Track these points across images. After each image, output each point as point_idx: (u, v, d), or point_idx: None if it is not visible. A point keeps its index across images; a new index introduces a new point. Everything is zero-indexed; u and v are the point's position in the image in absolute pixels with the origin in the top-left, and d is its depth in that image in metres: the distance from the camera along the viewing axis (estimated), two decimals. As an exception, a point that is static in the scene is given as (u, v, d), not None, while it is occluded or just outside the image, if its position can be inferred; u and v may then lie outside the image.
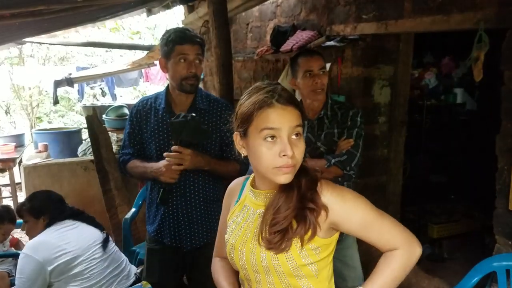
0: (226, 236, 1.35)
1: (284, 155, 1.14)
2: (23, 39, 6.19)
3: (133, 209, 3.17)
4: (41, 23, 4.85)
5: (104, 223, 2.71)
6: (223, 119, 2.13)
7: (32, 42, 7.08)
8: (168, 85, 2.19)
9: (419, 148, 3.87)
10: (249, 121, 1.18)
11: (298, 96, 3.63)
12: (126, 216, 3.12)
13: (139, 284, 1.91)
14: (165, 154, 1.97)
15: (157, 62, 7.79)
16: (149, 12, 6.28)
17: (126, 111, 5.93)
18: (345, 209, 1.21)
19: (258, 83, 1.25)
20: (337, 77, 3.24)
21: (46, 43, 7.49)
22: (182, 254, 2.17)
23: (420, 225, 3.92)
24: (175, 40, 2.03)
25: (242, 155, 1.27)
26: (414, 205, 3.93)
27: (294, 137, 1.17)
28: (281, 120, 1.15)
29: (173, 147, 1.97)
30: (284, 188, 1.21)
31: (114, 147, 4.13)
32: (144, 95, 11.99)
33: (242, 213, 1.33)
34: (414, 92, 3.87)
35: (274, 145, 1.15)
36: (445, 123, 4.31)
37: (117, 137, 4.70)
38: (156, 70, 9.66)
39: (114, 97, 9.79)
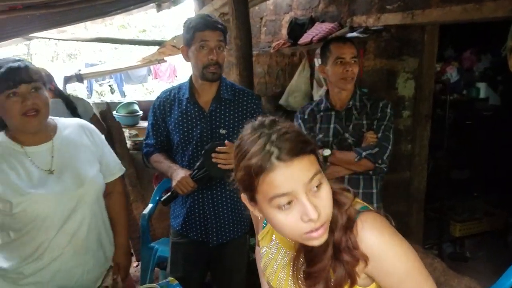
0: (262, 265, 1.22)
1: (308, 220, 0.91)
2: (33, 34, 6.12)
3: (151, 205, 3.08)
4: (52, 17, 4.78)
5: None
6: (249, 109, 2.06)
7: (41, 38, 7.01)
8: (191, 75, 2.11)
9: (441, 143, 3.76)
10: (252, 190, 0.94)
11: (320, 91, 3.56)
12: (144, 212, 3.04)
13: (165, 280, 1.82)
14: (218, 148, 1.85)
15: (167, 58, 7.76)
16: (159, 8, 6.22)
17: (137, 107, 5.86)
18: (385, 267, 0.99)
19: (250, 124, 0.99)
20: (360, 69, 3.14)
21: (55, 39, 7.43)
22: (208, 249, 2.09)
23: (442, 223, 3.83)
24: (195, 27, 1.95)
25: (259, 216, 1.06)
26: (436, 202, 3.83)
27: (315, 189, 0.92)
28: (291, 182, 0.90)
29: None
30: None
31: (128, 143, 4.04)
32: (152, 92, 12.03)
33: (273, 248, 1.17)
34: (436, 86, 3.76)
35: (292, 210, 0.91)
36: (467, 118, 4.20)
37: (130, 133, 4.62)
38: (165, 67, 9.64)
39: (122, 94, 9.75)
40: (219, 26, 1.97)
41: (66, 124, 1.75)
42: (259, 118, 0.99)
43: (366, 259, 0.98)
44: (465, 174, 4.37)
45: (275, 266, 1.15)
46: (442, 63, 4.11)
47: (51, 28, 5.88)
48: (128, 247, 1.98)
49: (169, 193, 2.00)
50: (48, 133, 1.67)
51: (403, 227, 3.23)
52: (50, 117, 1.69)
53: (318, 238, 0.94)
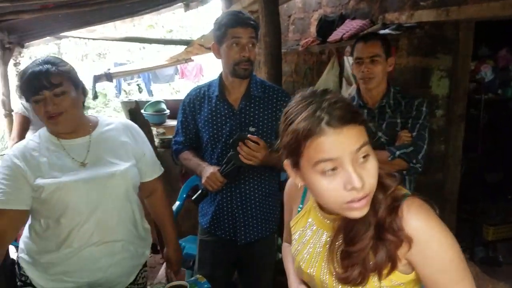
0: (292, 251, 1.21)
1: (351, 188, 0.90)
2: (64, 33, 6.24)
3: (178, 203, 3.09)
4: (82, 16, 4.87)
5: (146, 217, 2.62)
6: (279, 106, 2.03)
7: (72, 37, 7.14)
8: (221, 72, 2.09)
9: (475, 144, 3.64)
10: (298, 154, 0.94)
11: (349, 90, 3.50)
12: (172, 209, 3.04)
13: (193, 277, 1.81)
14: (249, 136, 1.84)
15: (194, 58, 7.80)
16: (187, 7, 6.25)
17: (164, 106, 5.90)
18: (428, 253, 0.96)
19: (300, 93, 1.00)
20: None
21: (85, 38, 7.57)
22: (236, 247, 2.07)
23: (475, 226, 3.71)
24: (227, 24, 1.93)
25: (299, 185, 1.03)
26: (468, 205, 3.71)
27: (361, 160, 0.92)
28: (339, 148, 0.89)
29: (213, 171, 1.89)
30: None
31: (156, 141, 4.07)
32: (178, 92, 12.11)
33: (308, 230, 1.15)
34: (470, 85, 3.64)
35: (336, 177, 0.91)
36: (502, 119, 4.05)
37: (157, 131, 4.65)
38: (191, 66, 9.69)
39: (150, 93, 9.85)
40: (251, 22, 1.94)
41: (108, 122, 1.77)
42: (310, 88, 1.01)
43: (410, 241, 0.95)
44: (499, 176, 4.23)
45: (310, 249, 1.12)
46: (477, 61, 3.97)
47: (81, 27, 6.00)
48: (177, 243, 2.01)
49: (199, 192, 1.99)
50: (86, 128, 1.70)
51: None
52: (93, 115, 1.76)
53: (359, 209, 0.93)
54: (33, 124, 3.27)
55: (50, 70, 1.54)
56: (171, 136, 4.27)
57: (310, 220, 1.14)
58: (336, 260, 1.01)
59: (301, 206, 1.21)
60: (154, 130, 4.51)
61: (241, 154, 1.82)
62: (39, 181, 1.56)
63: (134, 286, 1.78)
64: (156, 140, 4.07)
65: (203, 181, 1.93)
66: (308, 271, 1.13)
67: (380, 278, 0.98)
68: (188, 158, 2.09)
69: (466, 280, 0.99)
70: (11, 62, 5.67)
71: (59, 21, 4.78)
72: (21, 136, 3.14)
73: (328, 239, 1.06)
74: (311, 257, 1.12)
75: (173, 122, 5.59)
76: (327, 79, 3.79)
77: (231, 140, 1.88)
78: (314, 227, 1.13)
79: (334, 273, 1.02)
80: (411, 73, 3.02)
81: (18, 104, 3.44)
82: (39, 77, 1.52)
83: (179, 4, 5.99)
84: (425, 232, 0.96)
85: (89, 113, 12.19)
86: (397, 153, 2.02)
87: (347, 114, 0.91)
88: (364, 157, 0.92)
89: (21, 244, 1.70)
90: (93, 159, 1.66)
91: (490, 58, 4.07)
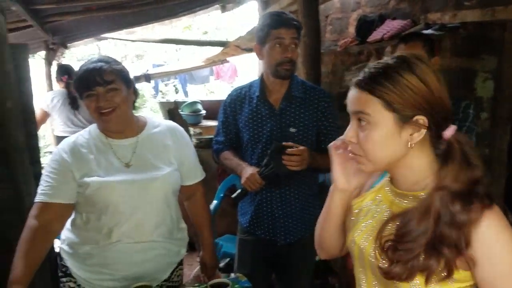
0: (347, 222, 1.17)
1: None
2: (104, 35, 6.42)
3: (215, 202, 3.11)
4: (124, 18, 5.00)
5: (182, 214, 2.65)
6: (320, 107, 2.02)
7: (112, 38, 7.33)
8: (262, 73, 2.09)
9: (520, 148, 3.50)
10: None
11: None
12: (210, 208, 3.07)
13: (234, 276, 1.82)
14: (289, 150, 1.83)
15: (229, 59, 7.86)
16: (223, 9, 6.30)
17: (200, 107, 5.98)
18: (492, 254, 0.91)
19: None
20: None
21: (125, 39, 7.74)
22: (275, 248, 2.06)
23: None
24: (270, 24, 1.94)
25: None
26: (512, 212, 3.57)
27: (363, 123, 1.01)
28: (349, 105, 1.06)
29: (253, 172, 1.90)
30: (424, 204, 0.94)
31: (193, 141, 4.11)
32: (213, 92, 12.22)
33: (373, 205, 1.11)
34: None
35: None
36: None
37: (194, 131, 4.71)
38: (227, 67, 9.76)
39: (186, 93, 9.98)
40: (294, 23, 1.94)
41: (156, 124, 1.80)
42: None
43: (472, 262, 0.91)
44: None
45: (369, 221, 1.10)
46: (523, 62, 3.83)
47: (122, 29, 6.16)
48: (213, 248, 2.02)
49: (239, 191, 2.01)
50: (134, 129, 1.74)
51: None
52: (142, 115, 1.80)
53: (357, 163, 1.06)
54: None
55: (103, 67, 1.59)
56: (207, 136, 4.35)
57: (379, 196, 1.12)
58: (382, 244, 0.98)
59: (375, 184, 1.18)
60: (192, 130, 4.56)
61: (289, 165, 1.83)
62: (85, 178, 1.61)
63: (168, 283, 1.81)
64: (194, 140, 4.12)
65: (242, 181, 1.94)
66: (360, 243, 1.09)
67: (427, 281, 0.93)
68: (229, 158, 2.10)
69: None
70: (54, 62, 5.87)
71: (100, 23, 4.92)
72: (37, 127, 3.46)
73: (389, 213, 1.04)
74: (367, 229, 1.08)
75: (208, 123, 5.65)
76: (365, 80, 3.74)
77: (268, 151, 1.88)
78: (381, 203, 1.10)
79: (379, 268, 0.99)
80: (455, 75, 2.94)
81: (42, 99, 4.08)
82: (93, 73, 1.58)
83: (216, 6, 6.07)
84: (492, 236, 0.92)
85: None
86: None
87: (365, 81, 1.00)
88: (362, 123, 1.00)
89: (63, 235, 1.76)
90: (138, 161, 1.69)
91: (537, 59, 3.90)
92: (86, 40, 6.52)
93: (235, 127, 2.12)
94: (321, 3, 4.24)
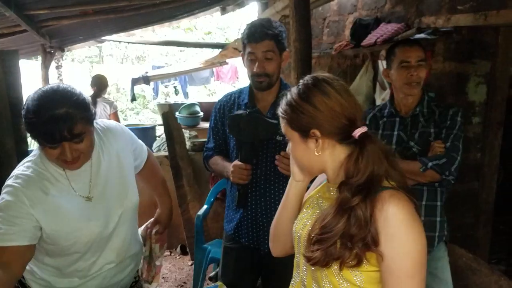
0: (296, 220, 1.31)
1: None
2: (104, 37, 6.44)
3: (205, 206, 3.11)
4: (121, 21, 5.00)
5: (176, 218, 2.67)
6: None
7: (112, 41, 7.35)
8: None
9: (514, 152, 3.50)
10: None
11: (383, 95, 3.44)
12: (199, 213, 3.08)
13: (214, 285, 1.82)
14: (282, 152, 1.82)
15: (229, 60, 7.86)
16: (223, 11, 6.31)
17: (198, 109, 5.98)
18: (393, 234, 1.04)
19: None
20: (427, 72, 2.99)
21: (125, 42, 7.77)
22: (259, 256, 2.06)
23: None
24: (243, 38, 1.95)
25: None
26: (505, 215, 3.57)
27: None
28: None
29: (234, 163, 1.90)
30: (337, 198, 1.11)
31: (187, 144, 4.12)
32: (213, 94, 12.23)
33: (315, 198, 1.28)
34: (509, 91, 3.49)
35: None
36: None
37: (190, 134, 4.71)
38: (227, 69, 9.77)
39: (186, 95, 10.00)
40: (267, 36, 1.89)
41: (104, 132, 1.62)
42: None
43: (376, 243, 1.04)
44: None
45: (308, 212, 1.26)
46: (518, 66, 3.81)
47: (120, 32, 6.18)
48: (171, 209, 2.00)
49: (236, 194, 1.98)
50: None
51: (469, 240, 3.03)
52: None
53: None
54: None
55: (73, 118, 1.32)
56: (202, 140, 4.34)
57: (321, 191, 1.29)
58: (309, 235, 1.13)
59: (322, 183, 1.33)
60: (187, 133, 4.57)
61: (277, 163, 1.83)
62: (53, 227, 1.45)
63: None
64: (188, 143, 4.12)
65: (231, 179, 1.93)
66: (298, 231, 1.24)
67: (341, 268, 1.07)
68: (216, 162, 2.10)
69: (417, 278, 1.05)
70: (53, 65, 5.90)
71: (98, 26, 4.93)
72: None
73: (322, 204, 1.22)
74: (305, 219, 1.24)
75: (207, 125, 5.64)
76: (360, 83, 3.73)
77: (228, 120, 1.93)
78: (320, 197, 1.26)
79: (303, 255, 1.14)
80: (448, 79, 2.93)
81: None
82: (60, 127, 1.30)
83: (216, 8, 6.07)
84: (397, 218, 1.03)
85: (128, 114, 12.54)
86: (430, 164, 1.95)
87: (279, 109, 1.23)
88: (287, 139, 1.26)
89: (27, 267, 1.53)
90: (97, 192, 1.54)
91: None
92: (85, 42, 6.54)
93: (224, 133, 2.12)
94: (316, 6, 4.25)
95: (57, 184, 1.47)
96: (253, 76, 1.95)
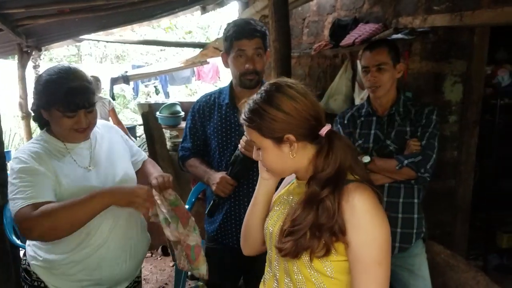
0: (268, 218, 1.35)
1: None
2: (81, 36, 6.34)
3: (187, 206, 3.09)
4: (99, 20, 4.93)
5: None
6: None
7: (90, 40, 7.25)
8: (231, 80, 2.09)
9: (489, 150, 3.57)
10: None
11: (362, 94, 3.47)
12: (180, 214, 3.05)
13: (195, 285, 1.82)
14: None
15: (210, 60, 7.83)
16: (203, 10, 6.29)
17: (179, 108, 5.94)
18: (358, 223, 1.09)
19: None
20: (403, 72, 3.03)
21: (103, 41, 7.67)
22: (242, 256, 2.06)
23: (489, 234, 3.64)
24: (232, 36, 1.94)
25: None
26: (482, 212, 3.65)
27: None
28: None
29: (222, 175, 1.90)
30: (306, 192, 1.17)
31: (168, 144, 4.10)
32: (195, 93, 12.16)
33: (285, 196, 1.33)
34: (485, 90, 3.56)
35: None
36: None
37: (171, 134, 4.68)
38: (208, 69, 9.73)
39: (167, 95, 9.93)
40: (257, 33, 1.93)
41: (98, 124, 1.82)
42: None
43: (343, 231, 1.09)
44: (515, 183, 4.12)
45: (279, 209, 1.30)
46: (493, 65, 3.89)
47: (98, 31, 6.09)
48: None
49: (211, 203, 1.97)
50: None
51: (447, 237, 3.09)
52: None
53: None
54: None
55: (89, 88, 1.59)
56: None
57: (290, 188, 1.33)
58: (281, 229, 1.18)
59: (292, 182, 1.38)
60: (167, 133, 4.54)
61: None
62: (60, 182, 1.58)
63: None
64: (168, 143, 4.10)
65: (213, 188, 1.91)
66: (269, 227, 1.28)
67: (311, 258, 1.12)
68: (195, 165, 2.09)
69: (384, 265, 1.09)
70: (30, 64, 5.79)
71: (76, 25, 4.85)
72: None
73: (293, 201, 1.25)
74: (276, 216, 1.28)
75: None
76: (340, 83, 3.77)
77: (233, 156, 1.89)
78: (290, 194, 1.31)
79: (275, 246, 1.18)
80: (424, 78, 2.99)
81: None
82: (78, 96, 1.55)
83: (196, 7, 6.04)
84: (362, 208, 1.09)
85: (108, 114, 12.38)
86: (405, 162, 1.98)
87: (244, 117, 1.23)
88: (258, 148, 1.25)
89: (31, 252, 1.67)
90: (97, 163, 1.73)
91: (508, 62, 3.97)
92: (63, 42, 6.44)
93: (203, 134, 2.11)
94: (295, 7, 4.27)
95: (61, 157, 1.64)
96: (243, 74, 1.95)
